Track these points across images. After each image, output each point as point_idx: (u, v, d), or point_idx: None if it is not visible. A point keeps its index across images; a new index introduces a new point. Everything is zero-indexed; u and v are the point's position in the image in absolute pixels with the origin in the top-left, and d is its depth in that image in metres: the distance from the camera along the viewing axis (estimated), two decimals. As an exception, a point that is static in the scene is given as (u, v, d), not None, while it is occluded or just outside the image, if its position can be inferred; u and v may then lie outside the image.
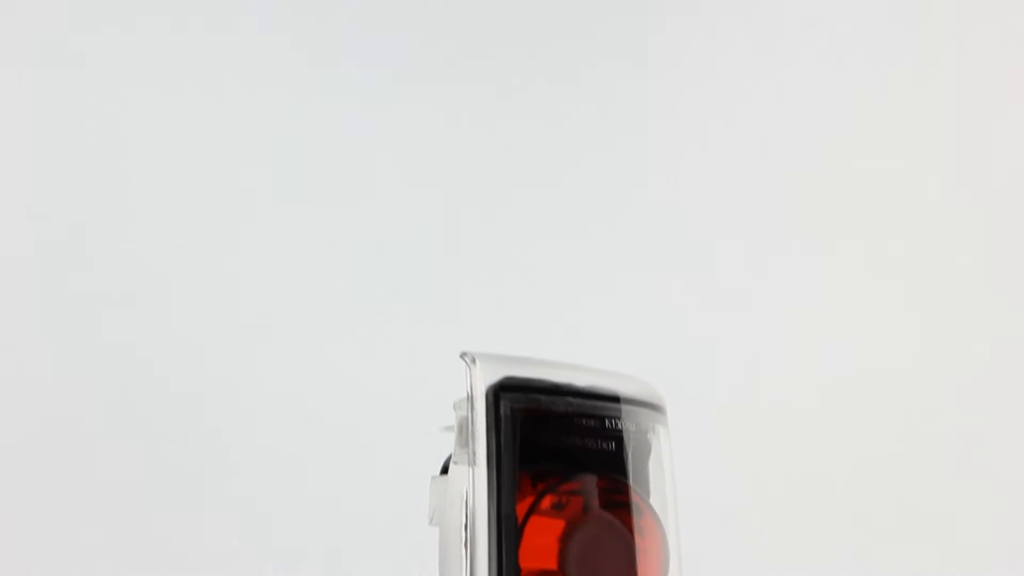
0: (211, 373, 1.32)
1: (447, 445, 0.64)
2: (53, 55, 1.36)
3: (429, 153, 1.42)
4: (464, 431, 0.60)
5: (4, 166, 1.34)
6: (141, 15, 1.39)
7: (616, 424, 0.63)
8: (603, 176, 1.42)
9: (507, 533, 0.58)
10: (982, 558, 1.27)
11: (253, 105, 1.40)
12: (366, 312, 1.36)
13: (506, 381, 0.60)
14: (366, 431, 1.31)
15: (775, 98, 1.43)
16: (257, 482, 1.30)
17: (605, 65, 1.44)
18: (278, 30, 1.43)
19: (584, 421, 0.62)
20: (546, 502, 0.61)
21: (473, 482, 0.58)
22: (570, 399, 0.62)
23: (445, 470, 0.65)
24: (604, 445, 0.63)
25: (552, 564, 0.60)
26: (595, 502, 0.63)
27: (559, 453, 0.62)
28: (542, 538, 0.61)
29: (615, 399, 0.64)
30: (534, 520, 0.60)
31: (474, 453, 0.59)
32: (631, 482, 0.64)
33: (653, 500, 0.65)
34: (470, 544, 0.58)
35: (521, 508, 0.60)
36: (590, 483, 0.63)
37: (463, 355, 0.60)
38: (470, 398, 0.59)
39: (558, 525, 0.61)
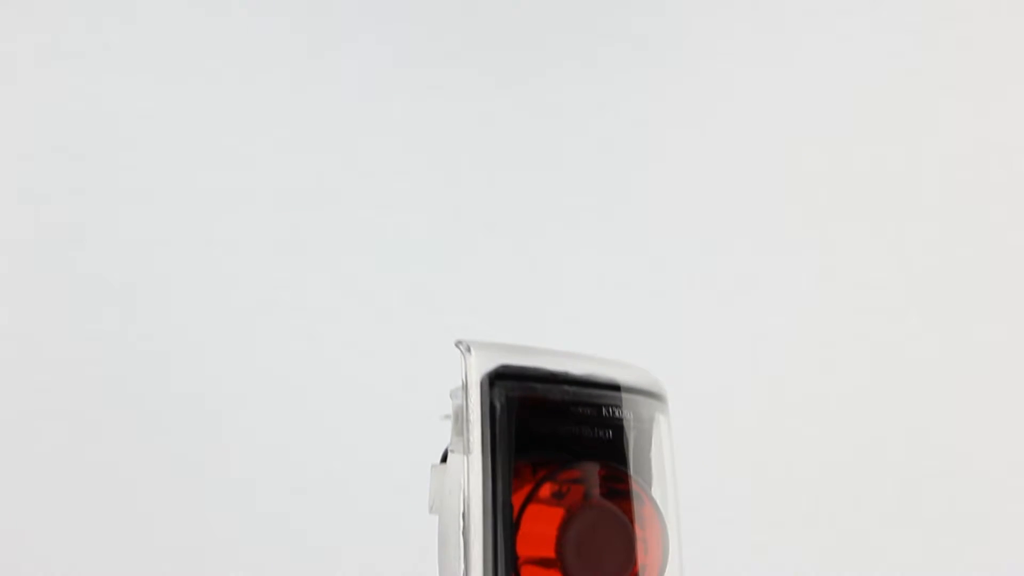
0: (210, 363, 1.33)
1: (448, 433, 0.64)
2: (50, 44, 1.37)
3: (428, 142, 1.42)
4: (460, 419, 0.60)
5: (2, 158, 1.35)
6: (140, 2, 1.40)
7: (615, 413, 0.63)
8: (603, 166, 1.41)
9: (503, 521, 0.58)
10: (981, 555, 1.26)
11: (251, 93, 1.41)
12: (365, 302, 1.36)
13: (501, 369, 0.60)
14: (367, 419, 1.31)
15: (777, 88, 1.41)
16: (255, 469, 1.31)
17: (605, 52, 1.43)
18: (277, 13, 1.43)
19: (581, 409, 0.62)
20: (546, 490, 0.61)
21: (468, 470, 0.58)
22: (566, 387, 0.62)
23: (445, 458, 0.65)
24: (602, 433, 0.62)
25: (550, 552, 0.60)
26: (596, 490, 0.62)
27: (557, 441, 0.62)
28: (541, 526, 0.60)
29: (615, 387, 0.63)
30: (532, 508, 0.60)
31: (469, 441, 0.58)
32: (631, 471, 0.63)
33: (654, 490, 0.64)
34: (465, 532, 0.58)
35: (520, 496, 0.60)
36: (591, 471, 0.62)
37: (458, 343, 0.60)
38: (465, 386, 0.59)
39: (558, 513, 0.61)
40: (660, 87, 1.43)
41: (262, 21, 1.43)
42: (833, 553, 1.28)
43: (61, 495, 1.27)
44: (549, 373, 0.61)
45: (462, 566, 0.57)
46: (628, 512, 0.62)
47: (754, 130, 1.40)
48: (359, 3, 1.44)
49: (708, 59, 1.43)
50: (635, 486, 0.63)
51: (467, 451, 0.59)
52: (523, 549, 0.59)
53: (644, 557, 0.62)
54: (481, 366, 0.60)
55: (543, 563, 0.60)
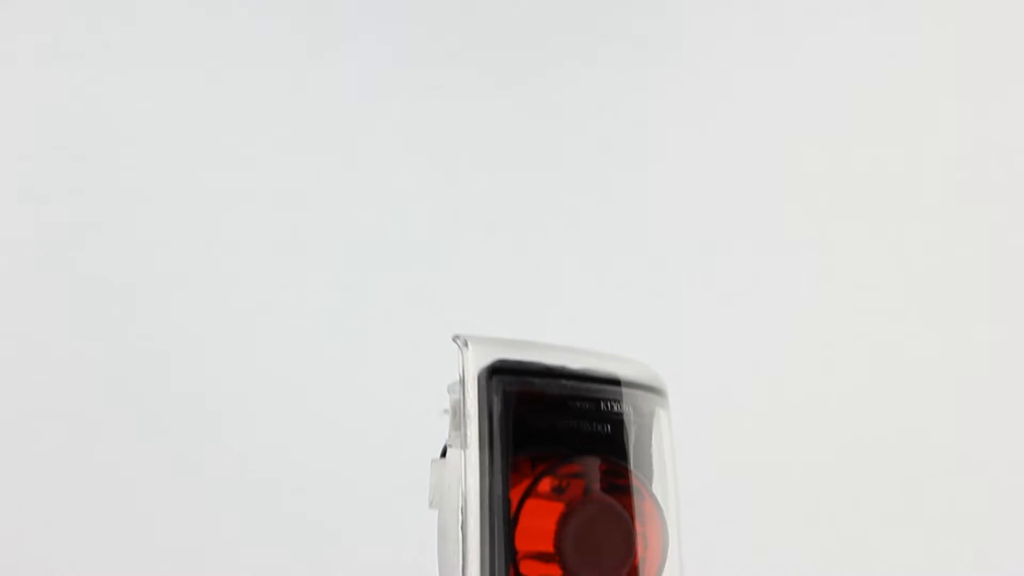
0: (210, 363, 1.33)
1: (447, 428, 0.64)
2: (50, 44, 1.37)
3: (428, 142, 1.42)
4: (457, 414, 0.60)
5: (2, 158, 1.35)
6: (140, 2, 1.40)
7: (614, 407, 0.63)
8: (603, 166, 1.41)
9: (500, 516, 0.58)
10: (981, 555, 1.26)
11: (251, 92, 1.41)
12: (365, 302, 1.36)
13: (499, 364, 0.60)
14: (367, 419, 1.31)
15: (777, 88, 1.42)
16: (256, 469, 1.30)
17: (605, 52, 1.43)
18: (277, 13, 1.43)
19: (579, 404, 0.62)
20: (546, 485, 0.61)
21: (465, 465, 0.58)
22: (564, 381, 0.62)
23: (445, 453, 0.65)
24: (601, 428, 0.62)
25: (549, 547, 0.60)
26: (596, 485, 0.62)
27: (555, 436, 0.61)
28: (540, 520, 0.60)
29: (614, 382, 0.63)
30: (531, 503, 0.60)
31: (466, 436, 0.58)
32: (632, 466, 0.63)
33: (654, 485, 0.64)
34: (463, 527, 0.58)
35: (519, 491, 0.60)
36: (592, 465, 0.62)
37: (455, 338, 0.60)
38: (462, 381, 0.59)
39: (557, 508, 0.61)
40: (660, 87, 1.43)
41: (262, 21, 1.43)
42: (833, 553, 1.28)
43: (61, 495, 1.27)
44: (547, 367, 0.61)
45: (460, 560, 0.57)
46: (628, 507, 0.62)
47: (754, 130, 1.40)
48: (359, 3, 1.44)
49: (708, 59, 1.44)
50: (635, 481, 0.63)
51: (464, 446, 0.59)
52: (522, 543, 0.59)
53: (643, 552, 0.62)
54: (478, 361, 0.60)
55: (542, 557, 0.60)
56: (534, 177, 1.41)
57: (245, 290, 1.36)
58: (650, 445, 0.65)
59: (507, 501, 0.59)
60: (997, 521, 1.28)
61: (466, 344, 0.60)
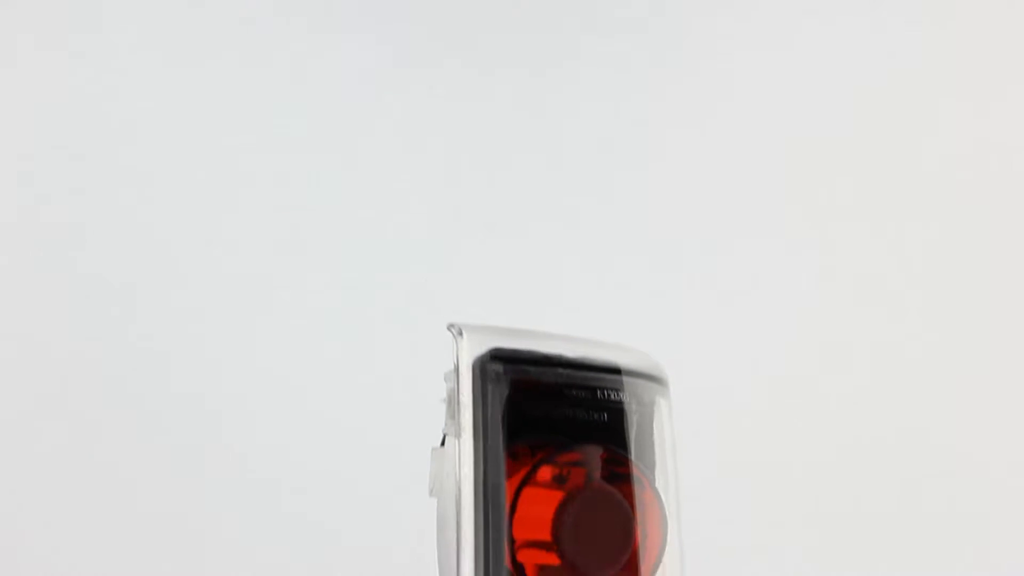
0: (210, 363, 1.33)
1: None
2: (50, 44, 1.37)
3: (428, 142, 1.42)
4: (452, 402, 0.60)
5: (2, 158, 1.35)
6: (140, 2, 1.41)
7: (611, 396, 0.63)
8: (603, 166, 1.41)
9: (495, 504, 0.58)
10: (981, 555, 1.26)
11: (251, 92, 1.41)
12: (365, 302, 1.36)
13: (494, 352, 0.60)
14: (367, 418, 1.31)
15: (777, 87, 1.41)
16: (256, 469, 1.30)
17: (605, 52, 1.44)
18: (277, 13, 1.43)
19: (576, 392, 0.62)
20: (546, 473, 0.61)
21: (459, 453, 0.58)
22: (560, 370, 0.61)
23: (445, 441, 0.65)
24: (598, 416, 0.62)
25: (547, 535, 0.60)
26: (597, 474, 0.62)
27: (551, 424, 0.61)
28: (539, 509, 0.60)
29: (614, 370, 0.63)
30: (529, 491, 0.60)
31: (460, 424, 0.58)
32: (632, 455, 0.63)
33: (655, 475, 0.64)
34: (459, 515, 0.57)
35: (517, 479, 0.60)
36: (593, 454, 0.62)
37: (450, 326, 0.60)
38: (457, 369, 0.59)
39: (556, 496, 0.60)
40: (660, 87, 1.43)
41: (262, 21, 1.43)
42: (833, 553, 1.28)
43: (61, 495, 1.27)
44: (543, 356, 0.61)
45: (456, 548, 0.57)
46: (628, 496, 0.61)
47: (754, 130, 1.40)
48: (359, 3, 1.44)
49: (708, 59, 1.44)
50: (635, 470, 0.62)
51: (459, 434, 0.58)
52: (520, 532, 0.59)
53: (642, 541, 0.62)
54: (473, 349, 0.59)
55: (540, 546, 0.60)
56: (534, 177, 1.41)
57: (245, 290, 1.36)
58: (651, 435, 0.64)
59: (502, 489, 0.58)
60: (997, 521, 1.27)
61: (460, 332, 0.60)
